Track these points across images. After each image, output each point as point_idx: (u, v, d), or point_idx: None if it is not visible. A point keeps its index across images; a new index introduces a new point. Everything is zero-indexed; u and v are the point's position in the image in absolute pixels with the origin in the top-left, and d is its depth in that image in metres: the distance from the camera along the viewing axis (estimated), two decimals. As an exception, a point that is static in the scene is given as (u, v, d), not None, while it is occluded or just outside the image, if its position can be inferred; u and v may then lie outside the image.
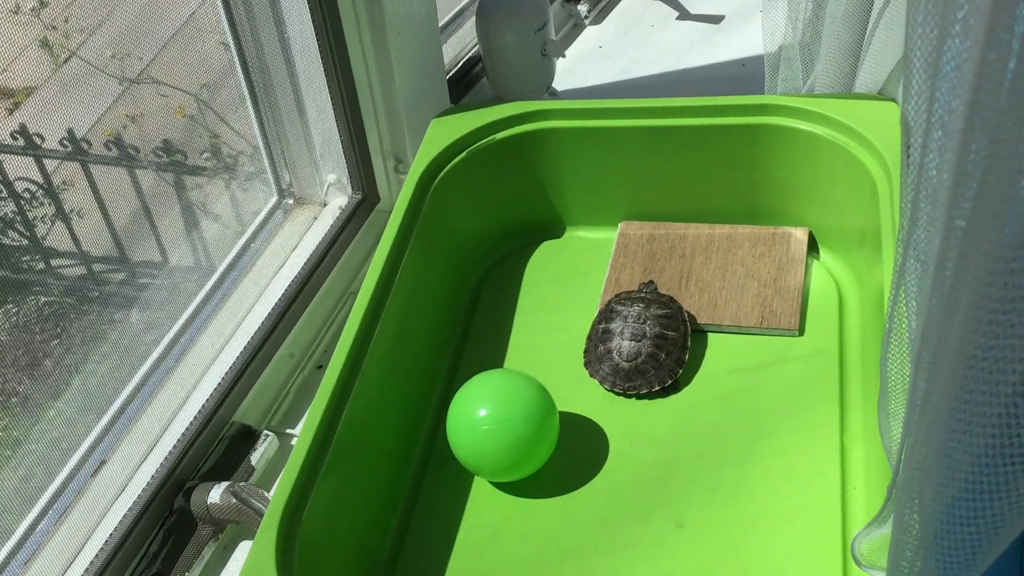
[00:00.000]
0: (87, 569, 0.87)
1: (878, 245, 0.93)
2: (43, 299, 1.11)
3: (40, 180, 1.13)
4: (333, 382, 0.87)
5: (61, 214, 1.15)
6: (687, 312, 1.03)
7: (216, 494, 0.91)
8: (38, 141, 1.09)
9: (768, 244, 1.09)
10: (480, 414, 0.89)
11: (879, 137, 0.97)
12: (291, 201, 1.27)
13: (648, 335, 0.99)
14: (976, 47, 0.28)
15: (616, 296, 1.05)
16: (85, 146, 1.15)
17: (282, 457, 1.01)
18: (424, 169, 1.07)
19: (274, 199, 1.27)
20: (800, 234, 1.09)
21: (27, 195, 1.13)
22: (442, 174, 1.09)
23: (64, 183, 1.16)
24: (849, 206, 1.03)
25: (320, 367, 1.11)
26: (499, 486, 0.93)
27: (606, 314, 1.02)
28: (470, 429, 0.89)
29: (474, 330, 1.09)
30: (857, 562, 0.62)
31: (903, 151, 0.95)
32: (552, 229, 1.19)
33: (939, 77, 0.33)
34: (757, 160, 1.07)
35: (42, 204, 1.14)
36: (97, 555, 0.88)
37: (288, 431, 1.04)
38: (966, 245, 0.30)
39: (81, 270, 1.18)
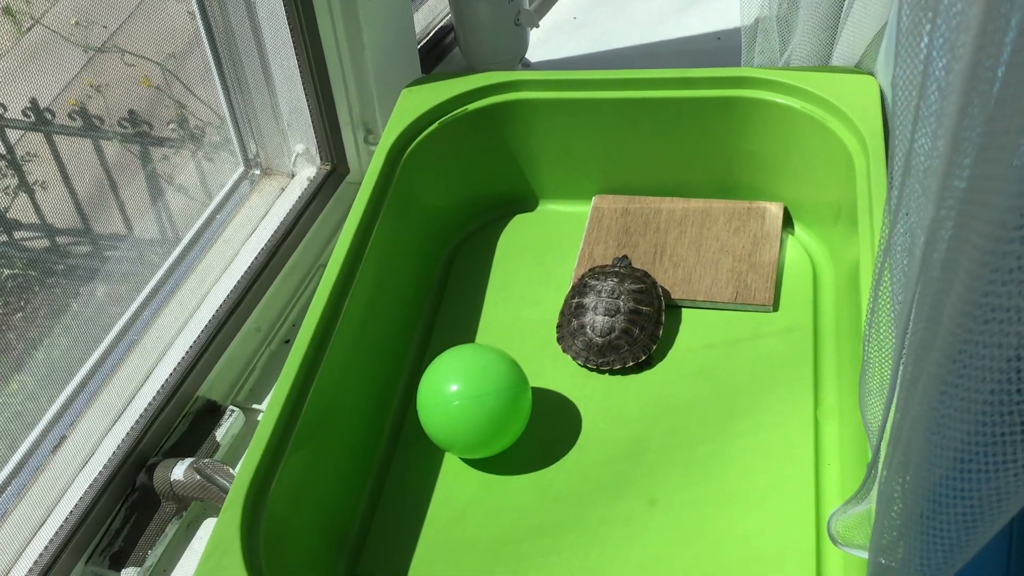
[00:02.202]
0: (46, 547, 0.84)
1: (854, 220, 0.92)
2: (6, 272, 1.08)
3: (2, 151, 1.10)
4: (300, 357, 0.86)
5: (24, 186, 1.12)
6: (661, 287, 1.01)
7: (179, 470, 0.89)
8: (0, 111, 1.05)
9: (743, 219, 1.07)
10: (451, 390, 0.87)
11: (856, 111, 0.96)
12: (258, 172, 1.24)
13: (622, 310, 0.97)
14: (979, 4, 0.27)
15: (590, 270, 1.03)
16: (49, 116, 1.11)
17: (248, 433, 0.99)
18: (394, 140, 1.05)
19: (240, 169, 1.24)
20: (775, 209, 1.07)
21: None
22: (413, 146, 1.07)
23: (28, 154, 1.13)
24: (825, 181, 1.02)
25: (287, 341, 1.08)
26: (470, 463, 0.91)
27: (579, 289, 1.01)
28: (441, 405, 0.87)
29: (445, 305, 1.07)
30: (833, 540, 0.61)
31: (888, 119, 0.94)
32: (525, 202, 1.17)
33: (934, 38, 0.31)
34: (732, 133, 1.06)
35: (4, 175, 1.11)
36: (57, 532, 0.86)
37: (254, 407, 1.01)
38: (964, 213, 0.28)
39: (45, 242, 1.15)
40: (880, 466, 0.44)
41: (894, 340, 0.41)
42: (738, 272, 1.02)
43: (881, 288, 0.45)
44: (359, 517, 0.89)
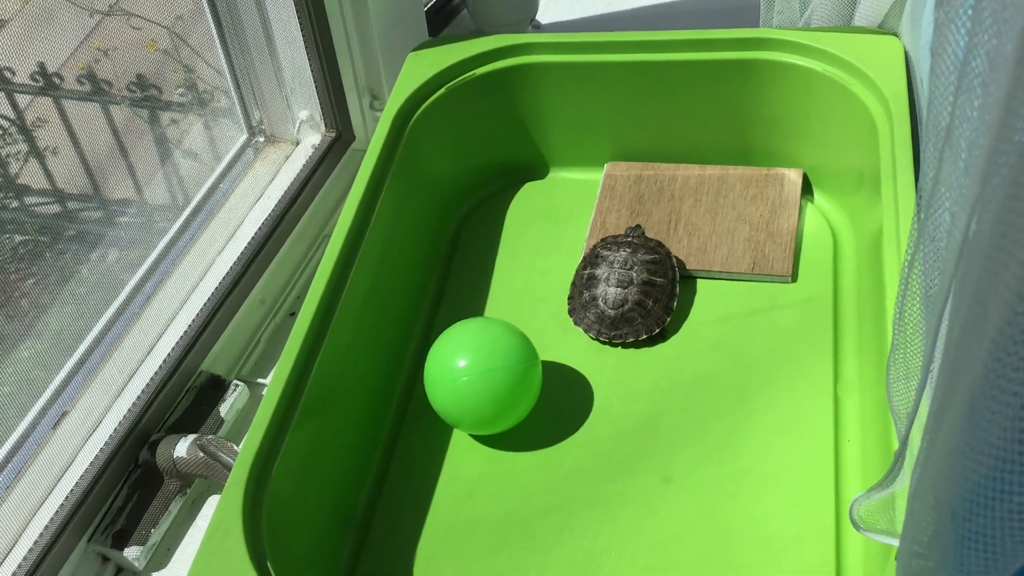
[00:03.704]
0: (47, 526, 0.83)
1: (876, 187, 0.88)
2: (17, 238, 1.06)
3: (12, 117, 1.07)
4: (304, 330, 0.83)
5: (35, 151, 1.10)
6: (676, 257, 0.98)
7: (183, 447, 0.87)
8: (8, 76, 1.03)
9: (761, 186, 1.04)
10: (459, 365, 0.85)
11: (879, 73, 0.92)
12: (262, 139, 1.21)
13: (635, 281, 0.94)
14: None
15: (602, 240, 1.00)
16: (57, 81, 1.09)
17: (252, 408, 0.97)
18: (400, 106, 1.02)
19: (244, 137, 1.21)
20: (794, 175, 1.04)
21: None
22: (419, 112, 1.03)
23: (39, 119, 1.10)
24: (846, 146, 0.98)
25: (293, 314, 1.06)
26: (479, 439, 0.89)
27: (591, 259, 0.98)
28: (448, 381, 0.85)
29: (453, 275, 1.04)
30: (855, 525, 0.59)
31: (912, 82, 0.90)
32: (535, 170, 1.14)
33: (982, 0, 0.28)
34: (750, 97, 1.02)
35: (15, 141, 1.09)
36: (58, 511, 0.84)
37: (259, 381, 0.99)
38: (1013, 196, 0.25)
39: (56, 208, 1.13)
40: (910, 456, 0.41)
41: (927, 325, 0.38)
42: (755, 241, 0.99)
43: (913, 270, 0.42)
44: (365, 495, 0.87)
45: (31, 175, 1.09)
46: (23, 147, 1.09)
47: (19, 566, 0.80)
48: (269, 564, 0.69)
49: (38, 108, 1.10)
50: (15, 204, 1.09)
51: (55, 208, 1.13)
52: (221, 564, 0.68)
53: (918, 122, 0.88)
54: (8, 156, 1.07)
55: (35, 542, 0.82)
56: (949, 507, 0.34)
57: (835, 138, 0.99)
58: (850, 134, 0.96)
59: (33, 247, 1.07)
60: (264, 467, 0.75)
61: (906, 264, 0.43)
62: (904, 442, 0.46)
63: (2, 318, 0.95)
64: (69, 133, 1.10)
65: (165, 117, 1.22)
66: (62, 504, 0.84)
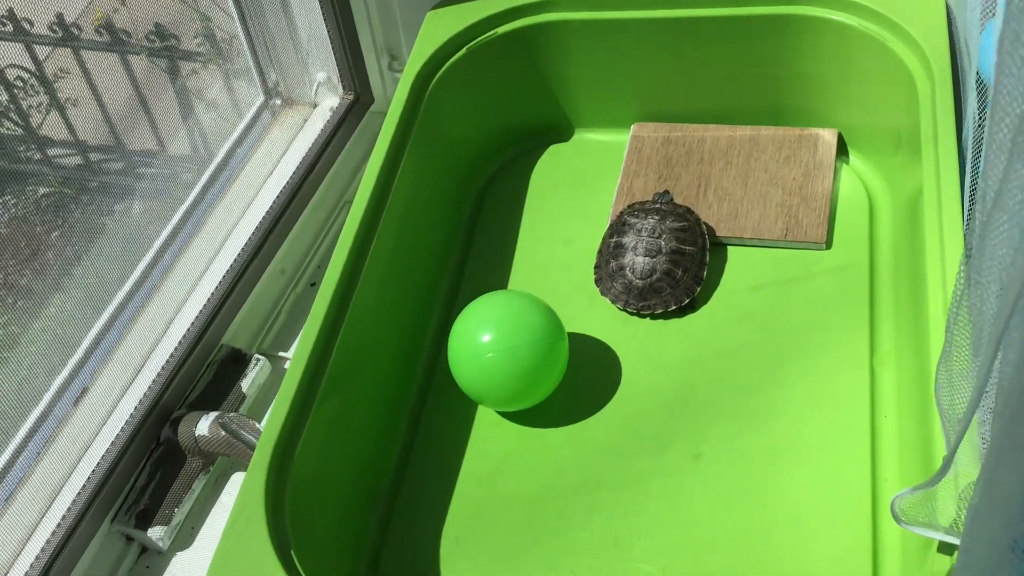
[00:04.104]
0: (70, 507, 0.82)
1: (915, 150, 0.85)
2: (41, 190, 1.05)
3: (32, 68, 1.05)
4: (327, 303, 0.81)
5: (55, 103, 1.07)
6: (705, 224, 0.95)
7: (204, 425, 0.86)
8: (27, 27, 1.01)
9: (794, 147, 1.00)
10: (483, 340, 0.82)
11: (920, 30, 0.88)
12: (279, 101, 1.18)
13: (663, 250, 0.92)
14: None
15: (629, 207, 0.97)
16: (75, 32, 1.07)
17: (275, 382, 0.95)
18: (420, 68, 0.99)
19: (260, 99, 1.18)
20: (829, 136, 1.00)
21: (20, 83, 1.05)
22: (440, 74, 1.00)
23: (61, 70, 1.08)
24: (884, 106, 0.94)
25: (313, 284, 1.04)
26: (505, 414, 0.87)
27: (618, 227, 0.95)
28: (473, 357, 0.83)
29: (476, 243, 1.02)
30: (896, 518, 0.57)
31: (955, 40, 0.85)
32: (559, 132, 1.10)
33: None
34: (783, 54, 0.98)
35: (36, 93, 1.07)
36: (81, 491, 0.83)
37: (281, 354, 0.98)
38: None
39: (78, 159, 1.11)
40: (958, 465, 0.39)
41: (987, 334, 0.36)
42: (788, 206, 0.96)
43: (971, 269, 0.39)
44: (390, 472, 0.85)
45: (53, 127, 1.06)
46: (44, 99, 1.06)
47: (43, 549, 0.80)
48: (292, 552, 0.67)
49: (58, 59, 1.07)
50: (38, 156, 1.07)
51: (77, 159, 1.11)
52: (243, 554, 0.66)
53: (960, 81, 0.84)
54: (30, 108, 1.05)
55: (59, 524, 0.81)
56: (1008, 536, 0.32)
57: (872, 97, 0.95)
58: (888, 93, 0.92)
59: (57, 199, 1.05)
60: (287, 448, 0.74)
61: (965, 260, 0.40)
62: (954, 449, 0.43)
63: (25, 278, 0.93)
64: (89, 84, 1.07)
65: (190, 66, 1.19)
66: (85, 484, 0.83)
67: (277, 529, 0.68)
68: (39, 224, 1.00)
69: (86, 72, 1.07)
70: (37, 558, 0.79)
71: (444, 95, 1.01)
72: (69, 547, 0.80)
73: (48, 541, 0.80)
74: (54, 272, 0.98)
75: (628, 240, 0.93)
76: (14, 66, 1.02)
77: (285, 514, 0.69)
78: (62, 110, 1.06)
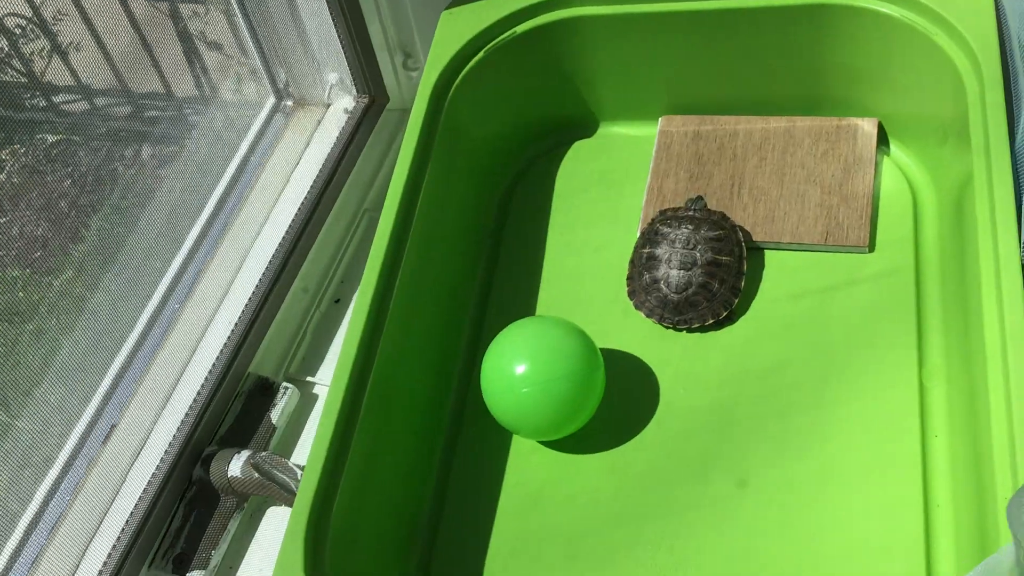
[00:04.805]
0: (110, 554, 0.81)
1: (961, 149, 0.81)
2: (50, 139, 1.02)
3: (29, 14, 1.01)
4: (360, 330, 0.78)
5: (57, 48, 1.04)
6: (741, 228, 0.91)
7: (236, 466, 0.84)
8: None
9: (832, 140, 0.96)
10: (517, 372, 0.80)
11: (966, 23, 0.83)
12: (290, 103, 1.14)
13: (699, 262, 0.88)
14: None
15: (661, 215, 0.93)
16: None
17: (303, 410, 0.93)
18: (438, 74, 0.94)
19: (271, 100, 1.14)
20: (868, 126, 0.95)
21: (19, 30, 1.01)
22: (459, 78, 0.96)
23: (60, 12, 1.04)
24: (927, 98, 0.89)
25: (338, 301, 1.01)
26: (541, 441, 0.85)
27: (650, 237, 0.91)
28: (508, 391, 0.80)
29: (504, 253, 0.98)
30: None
31: (1005, 36, 0.80)
32: (583, 126, 1.06)
33: None
34: (819, 44, 0.93)
35: (37, 38, 1.03)
36: (118, 539, 0.82)
37: (308, 379, 0.96)
38: None
39: (84, 105, 1.08)
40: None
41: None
42: (828, 207, 0.92)
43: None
44: (427, 506, 0.84)
45: (56, 72, 1.02)
46: (45, 43, 1.02)
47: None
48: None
49: (56, 2, 1.02)
50: (43, 103, 1.03)
51: (84, 105, 1.07)
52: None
53: (1011, 80, 0.79)
54: (32, 54, 1.02)
55: (99, 572, 0.80)
56: None
57: (914, 87, 0.90)
58: (932, 87, 0.87)
59: (66, 147, 1.02)
60: (326, 494, 0.72)
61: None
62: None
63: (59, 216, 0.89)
64: (88, 27, 1.03)
65: (192, 7, 1.13)
66: (122, 530, 0.82)
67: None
68: (49, 173, 0.96)
69: (84, 14, 1.01)
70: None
71: (464, 99, 0.97)
72: (108, 602, 0.79)
73: (84, 598, 0.79)
74: (72, 297, 0.95)
75: (661, 252, 0.90)
76: (12, 15, 0.98)
77: (326, 564, 0.68)
78: (64, 55, 1.01)
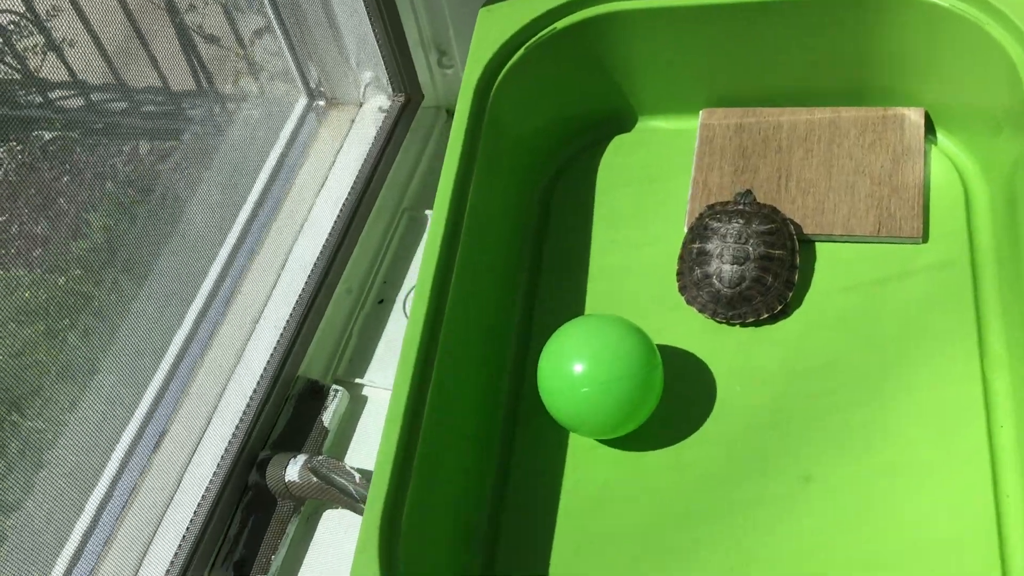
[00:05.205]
0: (171, 564, 0.80)
1: (1018, 136, 0.80)
2: (47, 135, 1.00)
3: (23, 9, 0.99)
4: (418, 333, 0.78)
5: (51, 43, 1.02)
6: (791, 222, 0.91)
7: (293, 471, 0.84)
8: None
9: (879, 131, 0.95)
10: (576, 372, 0.79)
11: (1021, 13, 0.82)
12: (323, 103, 1.13)
13: (751, 256, 0.88)
14: None
15: (709, 209, 0.93)
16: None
17: (354, 412, 0.93)
18: (481, 73, 0.94)
19: (303, 101, 1.13)
20: (915, 116, 0.95)
21: (12, 27, 1.00)
22: (500, 78, 0.95)
23: (53, 8, 1.02)
24: (977, 87, 0.89)
25: (381, 302, 1.01)
26: (599, 440, 0.84)
27: (700, 231, 0.91)
28: (567, 391, 0.80)
29: (548, 252, 0.98)
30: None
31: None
32: (622, 121, 1.05)
33: None
34: (864, 34, 0.92)
35: (32, 34, 1.01)
36: (180, 547, 0.81)
37: (357, 381, 0.95)
38: None
39: (80, 101, 1.06)
40: None
41: None
42: (878, 198, 0.91)
43: None
44: (487, 508, 0.83)
45: (52, 68, 1.01)
46: (39, 39, 1.01)
47: (147, 615, 0.78)
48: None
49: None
50: (39, 100, 1.02)
51: (80, 101, 1.06)
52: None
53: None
54: (25, 50, 1.00)
55: (160, 584, 0.79)
56: None
57: (964, 79, 0.90)
58: (983, 77, 0.87)
59: (63, 143, 1.00)
60: (396, 497, 0.71)
61: None
62: None
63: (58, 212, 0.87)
64: (83, 21, 1.02)
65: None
66: (183, 537, 0.81)
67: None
68: (47, 170, 0.95)
69: (78, 8, 1.00)
70: (143, 626, 0.78)
71: (505, 97, 0.96)
72: (171, 610, 0.78)
73: (151, 607, 0.78)
74: (114, 313, 0.94)
75: (712, 247, 0.89)
76: (5, 11, 0.97)
77: (400, 566, 0.67)
78: (59, 51, 0.99)
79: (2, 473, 0.83)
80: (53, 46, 0.99)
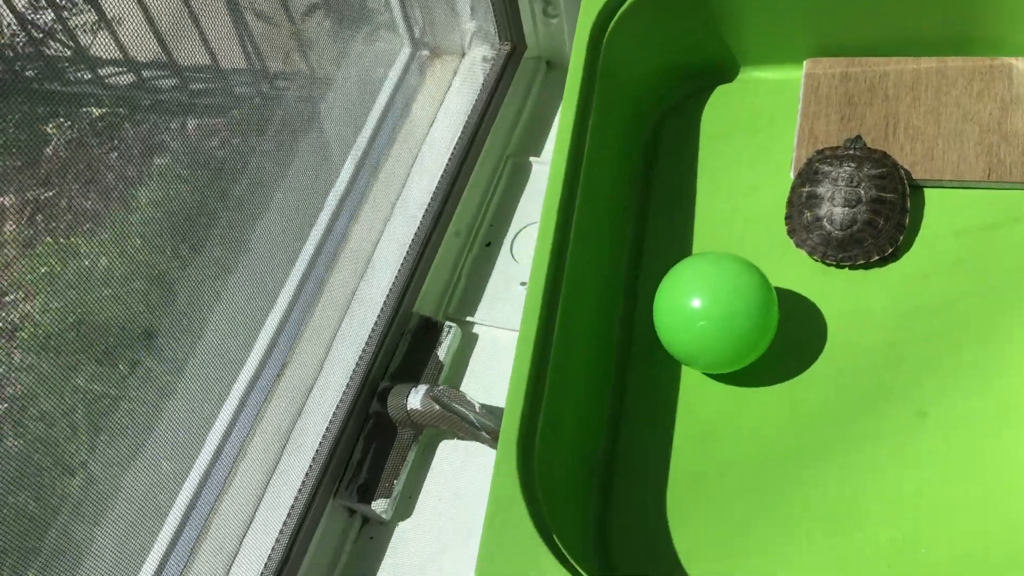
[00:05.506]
0: (300, 489, 0.84)
1: None
2: (96, 111, 1.03)
3: None
4: (544, 272, 0.80)
5: (103, 20, 1.05)
6: (902, 167, 0.92)
7: (416, 399, 0.87)
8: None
9: (986, 80, 0.96)
10: (694, 306, 0.81)
11: None
12: (427, 53, 1.16)
13: (863, 199, 0.89)
14: None
15: (819, 154, 0.94)
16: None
17: (466, 349, 0.96)
18: (593, 22, 0.95)
19: (407, 50, 1.16)
20: (1022, 65, 0.95)
21: (65, 2, 1.03)
22: (612, 25, 0.97)
23: None
24: (1093, 35, 0.89)
25: (488, 244, 1.03)
26: (711, 375, 0.87)
27: (809, 175, 0.92)
28: (684, 324, 0.82)
29: (653, 198, 1.00)
30: None
31: None
32: (724, 71, 1.07)
33: None
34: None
35: (83, 11, 1.04)
36: (308, 472, 0.85)
37: (468, 319, 0.98)
38: None
39: (130, 77, 1.09)
40: None
41: None
42: (987, 145, 0.92)
43: None
44: (603, 440, 0.86)
45: (103, 46, 1.03)
46: (91, 16, 1.03)
47: (280, 531, 0.82)
48: (555, 536, 0.68)
49: None
50: (88, 76, 1.04)
51: (158, 71, 1.08)
52: (511, 544, 0.68)
53: None
54: (75, 27, 1.03)
55: (292, 504, 0.83)
56: None
57: (1079, 25, 0.90)
58: (1102, 23, 0.87)
59: (126, 112, 1.01)
60: (528, 430, 0.74)
61: None
62: None
63: (106, 188, 0.90)
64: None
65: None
66: (312, 463, 0.85)
67: (537, 515, 0.69)
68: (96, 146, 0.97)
69: None
70: (277, 540, 0.81)
71: (616, 45, 0.97)
72: (305, 526, 0.82)
73: (284, 523, 0.82)
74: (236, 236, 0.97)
75: (823, 190, 0.91)
76: None
77: (540, 500, 0.70)
78: (111, 28, 1.01)
79: (137, 404, 0.87)
80: (105, 23, 1.01)
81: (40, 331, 0.78)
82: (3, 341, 0.76)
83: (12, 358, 0.77)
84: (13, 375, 0.76)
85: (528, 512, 0.68)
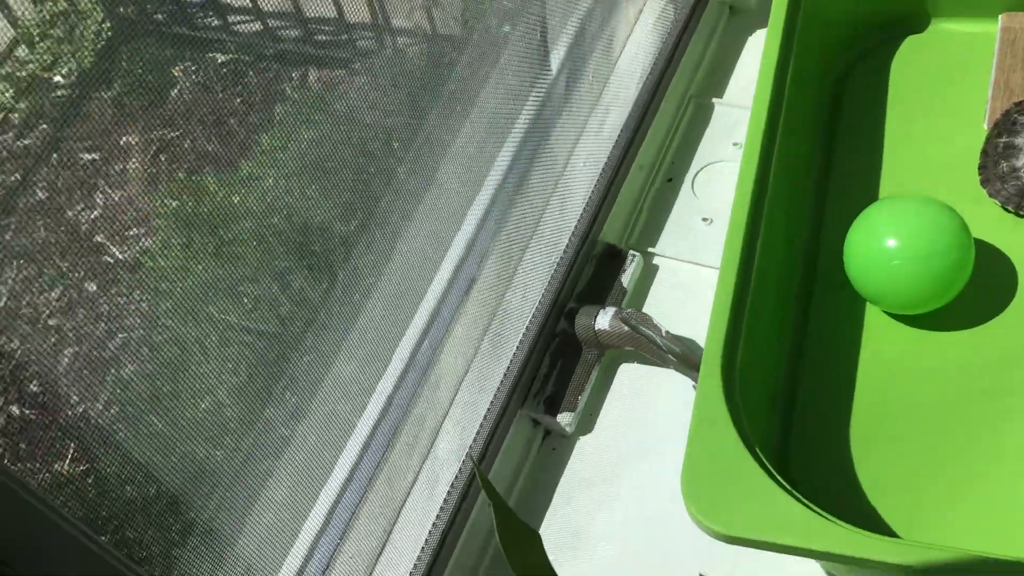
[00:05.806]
0: (493, 400, 0.88)
1: None
2: (220, 57, 1.07)
3: None
4: (746, 209, 0.83)
5: None
6: (1103, 124, 0.92)
7: (604, 320, 0.91)
8: None
9: None
10: (889, 245, 0.83)
11: None
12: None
13: (1064, 153, 0.89)
14: None
15: (1016, 106, 0.94)
16: None
17: (647, 277, 0.99)
18: (794, -32, 0.96)
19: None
20: None
21: None
22: (809, -28, 0.98)
23: None
24: None
25: (670, 180, 1.06)
26: (896, 316, 0.88)
27: (1007, 126, 0.92)
28: (878, 263, 0.84)
29: (840, 145, 1.01)
30: None
31: None
32: (913, 21, 1.06)
33: None
34: None
35: None
36: (502, 382, 0.89)
37: (649, 250, 1.01)
38: None
39: (257, 26, 1.12)
40: None
41: None
42: None
43: None
44: (784, 373, 0.88)
45: None
46: None
47: (477, 432, 0.87)
48: (757, 449, 0.72)
49: None
50: (216, 22, 1.08)
51: (284, 22, 1.10)
52: (718, 451, 0.71)
53: None
54: None
55: (487, 411, 0.88)
56: None
57: None
58: None
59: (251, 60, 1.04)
60: (730, 353, 0.77)
61: None
62: None
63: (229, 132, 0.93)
64: None
65: None
66: (505, 374, 0.89)
67: (741, 430, 0.72)
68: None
69: None
70: (474, 440, 0.86)
71: (812, -7, 0.98)
72: (497, 433, 0.87)
73: (480, 425, 0.87)
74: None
75: (1021, 141, 0.91)
76: None
77: (743, 417, 0.73)
78: None
79: (335, 317, 0.92)
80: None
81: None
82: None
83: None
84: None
85: (734, 427, 0.71)
